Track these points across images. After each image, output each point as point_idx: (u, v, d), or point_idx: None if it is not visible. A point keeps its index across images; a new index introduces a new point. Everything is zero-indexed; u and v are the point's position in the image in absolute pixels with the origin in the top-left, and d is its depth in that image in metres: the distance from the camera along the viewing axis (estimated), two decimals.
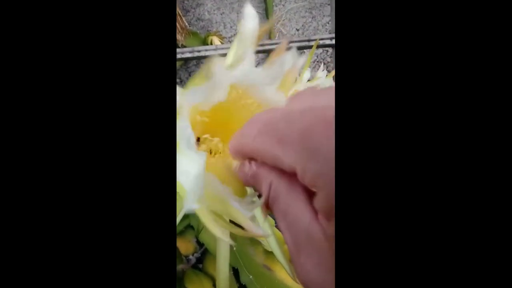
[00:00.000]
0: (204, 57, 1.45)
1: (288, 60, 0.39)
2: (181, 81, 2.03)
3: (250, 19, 0.41)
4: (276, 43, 1.42)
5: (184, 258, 1.38)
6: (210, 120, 0.46)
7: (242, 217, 0.36)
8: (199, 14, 2.02)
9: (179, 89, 0.37)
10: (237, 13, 2.03)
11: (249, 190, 0.46)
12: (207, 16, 2.01)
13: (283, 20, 2.05)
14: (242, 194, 0.44)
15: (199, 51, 1.41)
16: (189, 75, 2.02)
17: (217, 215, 0.42)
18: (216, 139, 0.47)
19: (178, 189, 0.43)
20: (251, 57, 0.41)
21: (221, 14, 2.03)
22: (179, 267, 1.32)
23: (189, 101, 0.37)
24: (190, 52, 1.40)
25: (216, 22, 2.02)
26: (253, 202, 0.41)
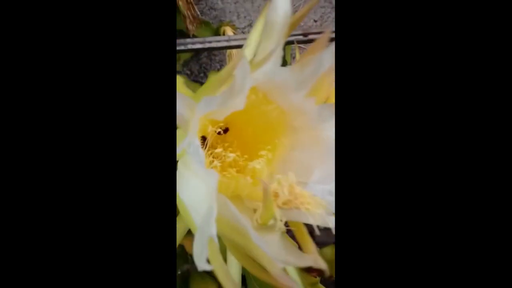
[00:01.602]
0: (216, 48, 1.36)
1: (326, 59, 0.29)
2: (191, 73, 1.96)
3: (280, 2, 0.31)
4: (292, 35, 1.31)
5: (190, 257, 1.32)
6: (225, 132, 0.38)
7: (268, 261, 0.27)
8: (212, 3, 1.93)
9: (186, 100, 0.28)
10: (252, 2, 1.93)
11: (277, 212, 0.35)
12: (220, 5, 1.92)
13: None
14: (268, 219, 0.34)
15: (210, 42, 1.32)
16: (200, 67, 1.94)
17: (237, 251, 0.33)
18: (231, 155, 0.39)
19: (180, 209, 0.35)
20: (278, 53, 0.32)
21: (235, 4, 1.94)
22: (185, 267, 1.27)
23: (200, 112, 0.29)
24: (201, 43, 1.31)
25: (230, 12, 1.92)
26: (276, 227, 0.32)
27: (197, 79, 1.97)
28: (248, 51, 0.36)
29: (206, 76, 1.89)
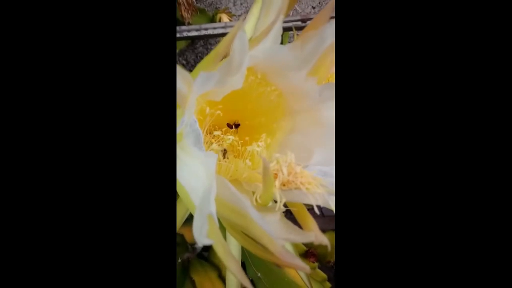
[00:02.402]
0: (212, 35, 1.33)
1: (329, 34, 0.28)
2: (187, 63, 1.92)
3: None
4: (290, 21, 1.28)
5: (189, 246, 1.33)
6: (223, 113, 0.37)
7: (269, 240, 0.27)
8: None
9: (185, 74, 0.27)
10: None
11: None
12: None
13: None
14: (268, 200, 0.33)
15: (206, 29, 1.30)
16: (196, 57, 1.90)
17: (236, 231, 0.33)
18: (230, 137, 0.38)
19: (180, 193, 0.34)
20: (277, 30, 0.31)
21: None
22: (185, 255, 1.27)
23: (197, 89, 0.28)
24: (197, 30, 1.28)
25: None
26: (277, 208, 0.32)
27: (193, 69, 1.94)
28: (247, 28, 0.35)
29: None
